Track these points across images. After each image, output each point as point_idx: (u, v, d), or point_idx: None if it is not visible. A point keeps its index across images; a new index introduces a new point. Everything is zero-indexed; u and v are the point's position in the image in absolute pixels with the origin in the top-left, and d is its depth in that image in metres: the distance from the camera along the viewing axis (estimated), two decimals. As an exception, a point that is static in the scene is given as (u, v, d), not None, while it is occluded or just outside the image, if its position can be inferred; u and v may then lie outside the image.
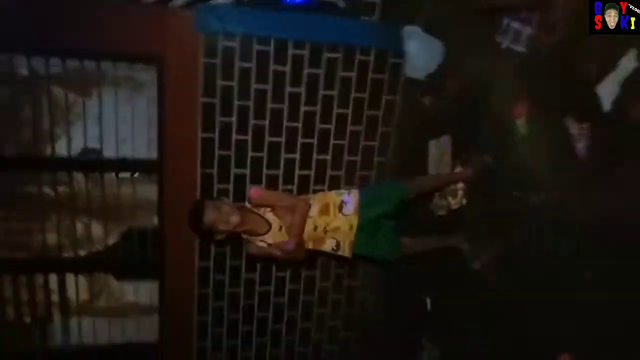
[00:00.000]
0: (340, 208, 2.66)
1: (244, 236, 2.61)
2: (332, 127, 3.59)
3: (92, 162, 3.51)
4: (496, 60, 2.63)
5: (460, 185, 2.96)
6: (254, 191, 2.58)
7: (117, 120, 3.45)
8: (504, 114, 2.59)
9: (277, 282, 3.86)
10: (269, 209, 2.58)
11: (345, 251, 2.74)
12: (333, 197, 2.71)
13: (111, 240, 3.74)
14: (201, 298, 3.76)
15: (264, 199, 2.58)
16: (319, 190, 3.64)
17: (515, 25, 2.37)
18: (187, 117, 3.37)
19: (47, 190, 3.52)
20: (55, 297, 3.77)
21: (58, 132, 3.44)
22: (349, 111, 3.58)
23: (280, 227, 2.57)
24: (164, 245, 3.59)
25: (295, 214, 2.53)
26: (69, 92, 3.38)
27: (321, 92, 3.49)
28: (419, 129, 3.38)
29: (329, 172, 3.67)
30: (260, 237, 2.58)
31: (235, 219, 2.43)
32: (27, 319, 3.77)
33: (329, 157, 3.64)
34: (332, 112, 3.55)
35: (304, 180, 3.64)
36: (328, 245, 2.73)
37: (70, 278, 3.72)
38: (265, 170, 3.56)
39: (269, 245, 2.57)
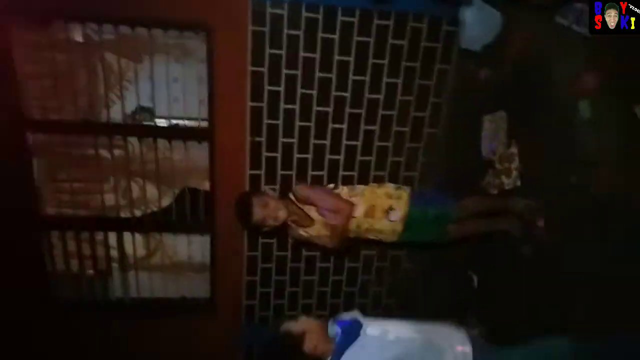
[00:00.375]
0: (387, 213, 2.60)
1: (289, 222, 2.63)
2: (381, 97, 3.49)
3: (145, 128, 3.60)
4: (560, 35, 2.44)
5: (515, 164, 2.83)
6: (299, 190, 2.58)
7: (168, 84, 3.49)
8: (566, 94, 2.42)
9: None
10: (313, 207, 2.57)
11: (387, 241, 2.75)
12: (382, 199, 2.63)
13: (165, 202, 3.87)
14: (250, 260, 3.88)
15: (309, 198, 2.57)
16: (364, 162, 3.60)
17: (578, 5, 2.16)
18: (236, 86, 3.37)
19: (105, 153, 3.65)
20: (114, 253, 3.98)
21: (112, 98, 3.53)
22: (399, 81, 3.46)
23: (324, 224, 2.57)
24: (214, 209, 3.69)
25: (338, 217, 2.51)
26: (121, 58, 3.42)
27: (371, 61, 3.39)
28: (473, 102, 3.23)
29: (376, 143, 3.60)
30: (304, 228, 2.58)
31: (283, 214, 2.44)
32: (90, 272, 4.01)
33: (376, 128, 3.57)
34: (382, 81, 3.45)
35: (351, 151, 3.60)
36: (369, 238, 2.73)
37: (127, 236, 3.91)
38: (312, 140, 3.54)
39: (311, 235, 2.58)
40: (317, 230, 2.58)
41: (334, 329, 1.85)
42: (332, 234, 2.53)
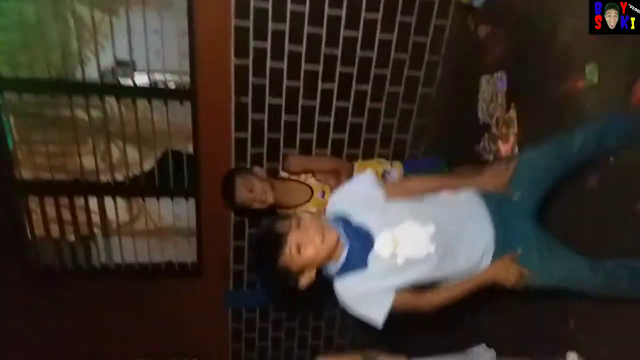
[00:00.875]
0: (383, 177, 2.46)
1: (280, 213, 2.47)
2: (374, 54, 3.28)
3: (124, 88, 3.39)
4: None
5: (514, 130, 2.68)
6: (290, 160, 2.42)
7: (147, 37, 3.25)
8: (573, 56, 2.24)
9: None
10: (310, 175, 2.42)
11: None
12: (374, 164, 2.50)
13: (147, 165, 3.70)
14: (237, 225, 3.76)
15: (302, 166, 2.42)
16: (355, 125, 3.44)
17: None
18: (219, 42, 3.15)
19: (81, 114, 3.45)
20: (95, 218, 3.84)
21: (87, 54, 3.30)
22: (393, 37, 3.24)
23: (323, 194, 2.42)
24: (199, 172, 3.55)
25: (340, 175, 2.36)
26: (94, 10, 3.17)
27: (363, 15, 3.16)
28: (471, 61, 3.03)
29: (368, 105, 3.43)
30: (302, 208, 2.43)
31: (270, 197, 2.29)
32: (71, 237, 3.88)
33: (369, 88, 3.38)
34: (375, 37, 3.23)
35: (341, 112, 3.42)
36: None
37: (109, 201, 3.76)
38: (301, 101, 3.36)
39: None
40: (317, 204, 2.43)
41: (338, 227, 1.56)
42: None
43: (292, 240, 1.46)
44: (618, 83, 2.03)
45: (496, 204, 1.69)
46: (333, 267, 1.57)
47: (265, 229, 1.52)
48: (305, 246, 1.46)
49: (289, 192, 2.40)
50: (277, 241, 1.46)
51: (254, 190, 2.28)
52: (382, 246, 1.54)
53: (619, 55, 2.03)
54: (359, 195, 1.65)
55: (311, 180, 2.44)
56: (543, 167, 1.76)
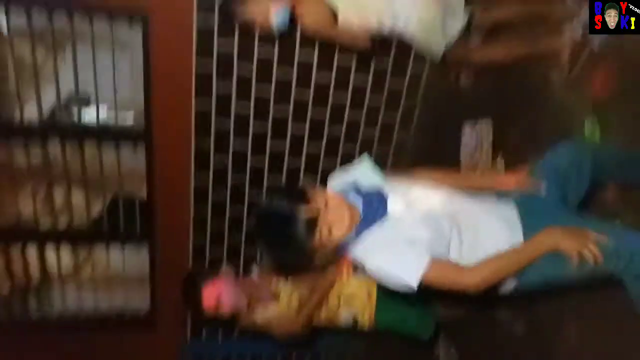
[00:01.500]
0: (355, 267, 2.21)
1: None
2: (348, 99, 3.13)
3: (69, 129, 3.08)
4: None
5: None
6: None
7: (96, 75, 2.93)
8: (571, 106, 2.14)
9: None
10: (282, 279, 2.21)
11: (365, 325, 2.32)
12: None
13: (95, 210, 3.37)
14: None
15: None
16: (328, 170, 3.24)
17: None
18: (178, 79, 2.92)
19: (20, 158, 3.09)
20: (34, 267, 3.47)
21: (28, 94, 2.95)
22: (368, 82, 3.10)
23: (288, 303, 2.19)
24: (154, 216, 3.29)
25: (315, 291, 2.16)
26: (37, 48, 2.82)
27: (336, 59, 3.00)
28: (451, 106, 2.89)
29: (341, 148, 3.28)
30: (262, 307, 2.18)
31: (242, 306, 2.06)
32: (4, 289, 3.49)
33: (342, 130, 3.23)
34: (349, 83, 3.08)
35: (313, 156, 3.26)
36: (343, 320, 2.30)
37: (51, 248, 3.41)
38: (269, 144, 3.18)
39: (269, 318, 2.18)
40: (283, 305, 2.20)
41: (352, 198, 1.42)
42: (302, 312, 2.16)
43: (323, 222, 1.29)
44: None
45: (522, 201, 1.58)
46: (348, 239, 1.40)
47: (286, 211, 1.27)
48: (335, 227, 1.32)
49: (257, 292, 2.17)
50: (307, 226, 1.27)
51: (221, 302, 2.03)
52: (394, 198, 1.44)
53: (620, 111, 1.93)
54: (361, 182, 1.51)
55: (280, 285, 2.24)
56: (563, 163, 1.66)
